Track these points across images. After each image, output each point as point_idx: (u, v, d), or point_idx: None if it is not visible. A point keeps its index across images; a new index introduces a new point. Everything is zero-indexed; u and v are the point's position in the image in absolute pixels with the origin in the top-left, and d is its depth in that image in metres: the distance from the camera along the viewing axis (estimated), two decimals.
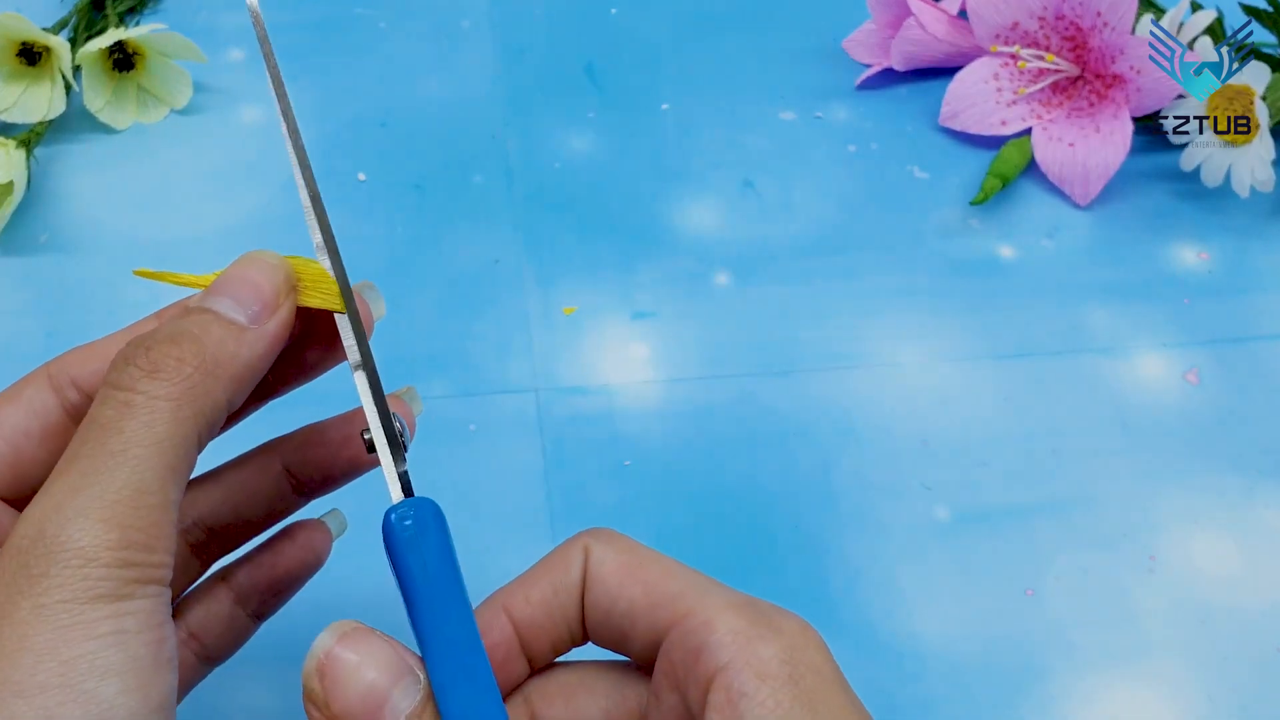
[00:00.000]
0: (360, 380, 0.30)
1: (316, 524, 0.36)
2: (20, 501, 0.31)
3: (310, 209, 0.31)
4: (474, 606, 0.28)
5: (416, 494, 0.29)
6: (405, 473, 0.29)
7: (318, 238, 0.31)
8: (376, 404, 0.29)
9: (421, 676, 0.27)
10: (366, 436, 0.30)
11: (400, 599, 0.28)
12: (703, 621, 0.27)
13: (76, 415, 0.31)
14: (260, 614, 0.35)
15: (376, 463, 0.34)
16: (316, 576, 0.36)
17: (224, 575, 0.35)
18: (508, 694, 0.30)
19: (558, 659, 0.30)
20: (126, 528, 0.25)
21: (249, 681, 0.41)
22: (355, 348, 0.30)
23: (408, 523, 0.28)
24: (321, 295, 0.30)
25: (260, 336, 0.28)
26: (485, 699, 0.27)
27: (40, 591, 0.24)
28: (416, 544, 0.28)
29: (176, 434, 0.26)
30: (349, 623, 0.27)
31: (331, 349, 0.32)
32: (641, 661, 0.29)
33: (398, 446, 0.29)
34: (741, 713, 0.25)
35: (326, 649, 0.27)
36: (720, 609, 0.27)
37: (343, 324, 0.30)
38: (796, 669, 0.26)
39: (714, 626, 0.27)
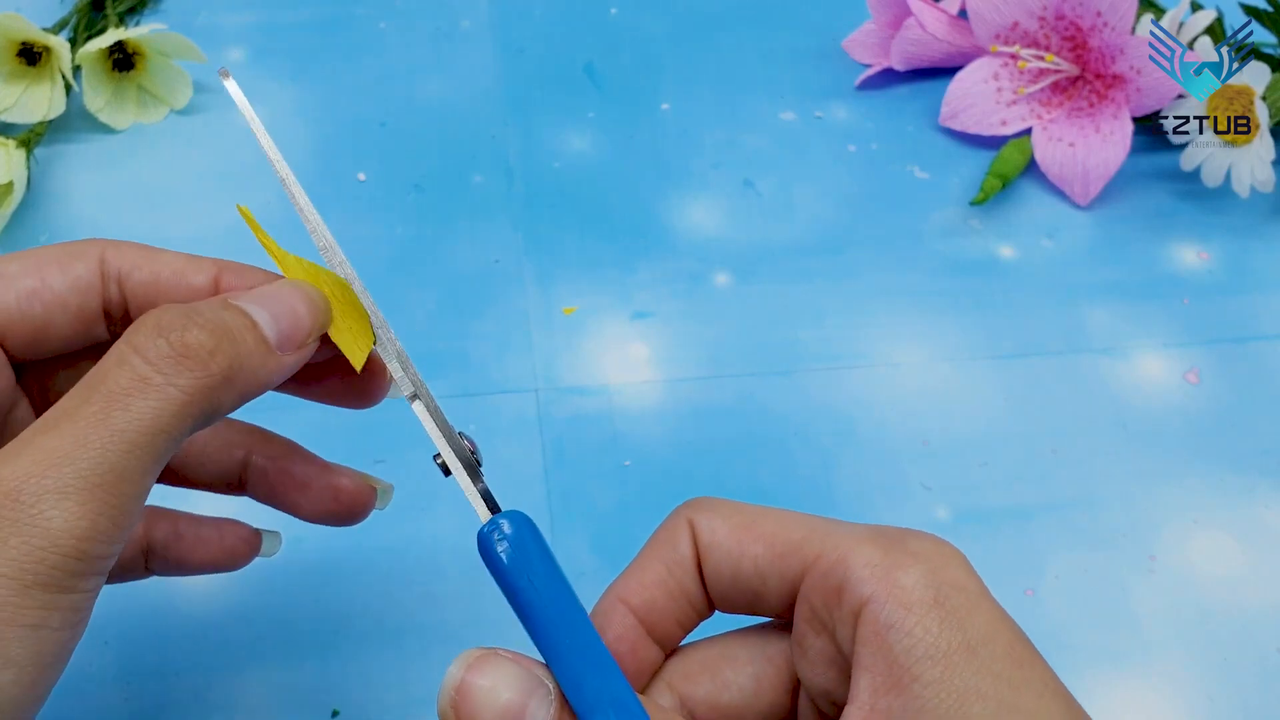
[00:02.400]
0: (419, 409, 0.30)
1: (250, 534, 0.36)
2: (27, 363, 0.31)
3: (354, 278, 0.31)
4: (588, 604, 0.28)
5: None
6: (486, 488, 0.29)
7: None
8: (441, 429, 0.30)
9: (551, 686, 0.27)
10: (439, 461, 0.30)
11: (506, 605, 0.28)
12: (836, 560, 0.27)
13: (110, 311, 0.31)
14: (155, 572, 0.35)
15: (312, 518, 0.34)
16: (336, 575, 0.36)
17: (146, 519, 0.35)
18: (646, 681, 0.30)
19: (688, 638, 0.30)
20: (98, 515, 0.24)
21: (252, 682, 0.41)
22: (406, 378, 0.30)
23: (503, 539, 0.28)
24: (350, 333, 0.30)
25: (280, 364, 0.28)
26: (616, 692, 0.27)
27: None
28: (516, 558, 0.28)
29: (176, 428, 0.26)
30: (474, 651, 0.27)
31: (344, 396, 0.32)
32: (778, 616, 0.29)
33: (472, 466, 0.30)
34: (891, 644, 0.26)
35: (457, 680, 0.27)
36: (852, 544, 0.27)
37: (389, 357, 0.31)
38: (940, 591, 0.26)
39: (849, 563, 0.27)
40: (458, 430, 0.30)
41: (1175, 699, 0.41)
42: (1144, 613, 0.43)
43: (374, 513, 0.44)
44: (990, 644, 0.26)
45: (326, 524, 0.34)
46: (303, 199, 0.31)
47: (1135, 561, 0.45)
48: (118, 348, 0.26)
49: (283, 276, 0.31)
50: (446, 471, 0.30)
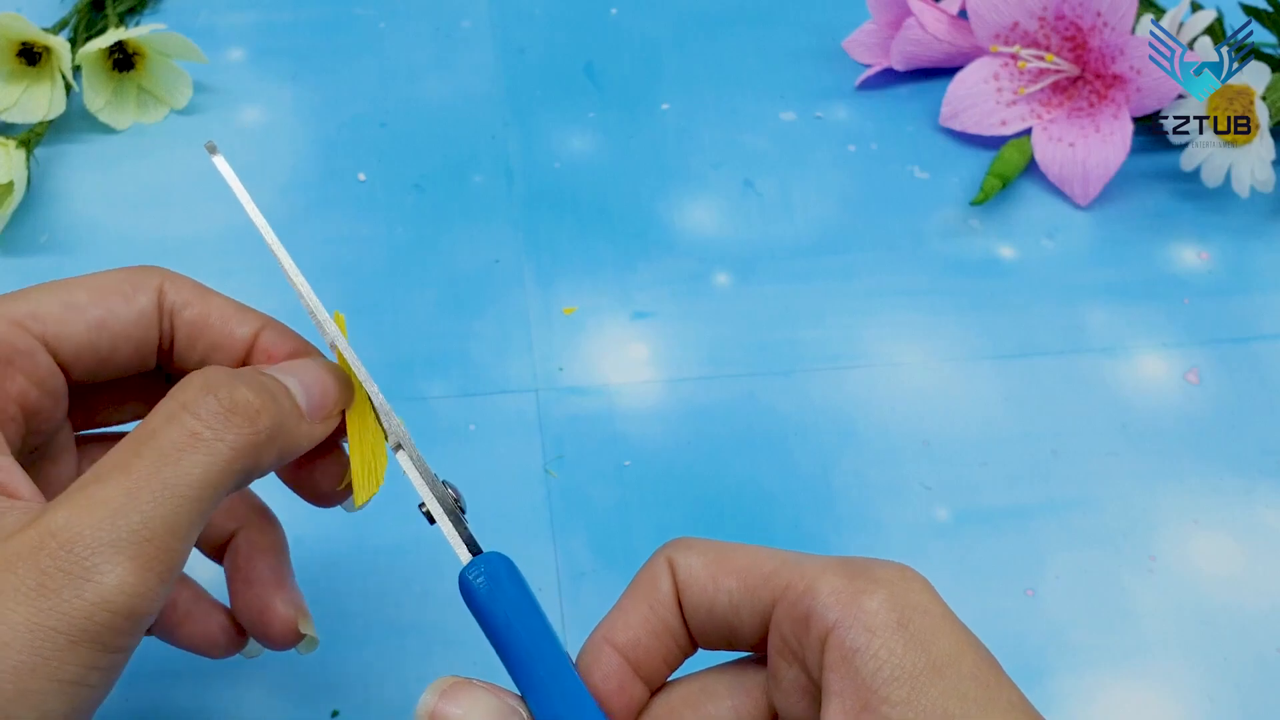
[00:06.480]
0: (403, 460, 0.31)
1: (235, 629, 0.35)
2: (83, 386, 0.31)
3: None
4: (574, 646, 0.29)
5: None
6: (469, 534, 0.30)
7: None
8: (425, 479, 0.31)
9: (525, 715, 0.28)
10: (424, 510, 0.30)
11: (487, 643, 0.29)
12: (804, 589, 0.27)
13: (161, 343, 0.31)
14: (151, 632, 0.35)
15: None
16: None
17: None
18: (634, 719, 0.30)
19: (673, 676, 0.31)
20: (147, 571, 0.25)
21: (252, 682, 0.41)
22: (392, 431, 0.31)
23: (481, 580, 0.29)
24: (367, 462, 0.31)
25: (310, 430, 0.30)
26: None
27: (44, 609, 0.24)
28: (493, 596, 0.29)
29: (223, 483, 0.26)
30: (448, 679, 0.28)
31: (304, 488, 0.33)
32: (754, 649, 0.30)
33: (456, 514, 0.30)
34: (857, 668, 0.26)
35: (430, 708, 0.28)
36: (818, 573, 0.27)
37: (369, 408, 0.31)
38: (904, 614, 0.26)
39: (815, 591, 0.27)
40: (441, 479, 0.31)
41: (1175, 699, 0.41)
42: (1144, 613, 0.43)
43: (374, 511, 0.44)
44: (956, 664, 0.26)
45: (244, 629, 0.34)
46: (290, 268, 0.32)
47: (1135, 561, 0.45)
48: (166, 405, 0.27)
49: (314, 350, 0.32)
50: (432, 520, 0.30)
